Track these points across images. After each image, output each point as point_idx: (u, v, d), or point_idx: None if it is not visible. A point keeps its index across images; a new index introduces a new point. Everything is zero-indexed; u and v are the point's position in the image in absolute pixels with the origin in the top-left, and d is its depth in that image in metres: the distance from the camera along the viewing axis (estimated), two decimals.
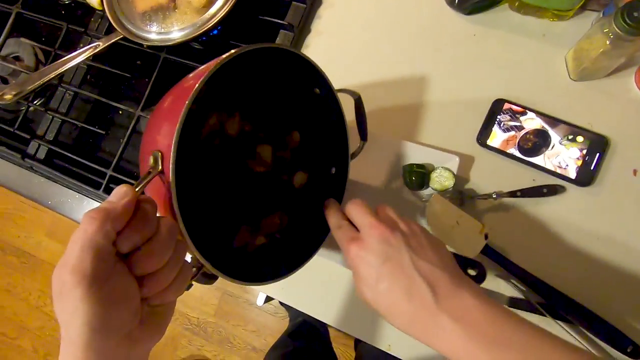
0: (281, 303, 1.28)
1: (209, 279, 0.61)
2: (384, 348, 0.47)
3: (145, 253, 0.25)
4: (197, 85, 0.29)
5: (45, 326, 1.53)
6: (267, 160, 0.42)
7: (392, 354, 0.46)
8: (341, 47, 0.55)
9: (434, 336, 0.27)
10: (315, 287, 0.51)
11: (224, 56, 0.31)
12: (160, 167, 0.28)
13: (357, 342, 1.02)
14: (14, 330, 1.55)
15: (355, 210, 0.33)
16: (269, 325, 1.36)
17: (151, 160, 0.29)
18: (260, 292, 1.27)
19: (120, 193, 0.25)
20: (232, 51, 0.31)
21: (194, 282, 0.57)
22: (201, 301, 1.42)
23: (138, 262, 0.25)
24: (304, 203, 0.42)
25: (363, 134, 0.44)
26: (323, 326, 0.98)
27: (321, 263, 0.50)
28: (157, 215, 0.27)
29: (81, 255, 0.22)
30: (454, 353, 0.26)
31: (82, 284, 0.22)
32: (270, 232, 0.41)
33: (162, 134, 0.31)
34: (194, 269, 0.31)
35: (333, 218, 0.36)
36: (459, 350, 0.26)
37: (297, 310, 0.50)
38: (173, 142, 0.27)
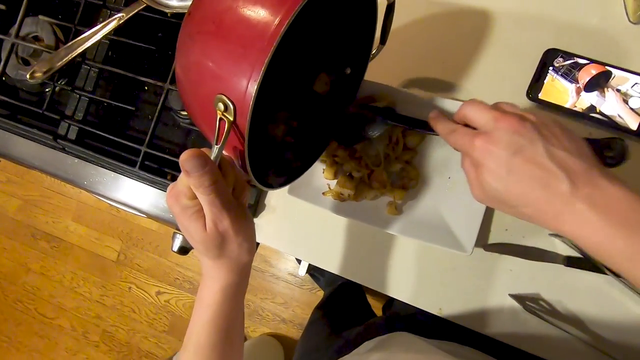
0: (310, 274, 1.30)
1: None
2: (434, 312, 0.47)
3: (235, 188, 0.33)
4: (284, 25, 0.26)
5: (80, 306, 1.60)
6: (327, 86, 0.43)
7: (443, 316, 0.46)
8: None
9: (566, 223, 0.27)
10: (355, 252, 0.50)
11: None
12: (232, 118, 0.27)
13: (386, 307, 1.04)
14: (52, 311, 1.63)
15: (474, 108, 0.31)
16: (297, 297, 1.39)
17: (220, 106, 0.27)
18: (302, 262, 1.28)
19: (198, 165, 0.27)
20: None
21: None
22: None
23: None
24: (315, 105, 0.43)
25: (384, 38, 0.43)
26: (359, 287, 0.99)
27: (359, 228, 0.49)
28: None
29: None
30: (588, 238, 0.27)
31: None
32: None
33: (228, 77, 0.28)
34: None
35: (442, 125, 0.34)
36: (594, 235, 0.26)
37: (330, 275, 0.51)
38: (252, 99, 0.26)
